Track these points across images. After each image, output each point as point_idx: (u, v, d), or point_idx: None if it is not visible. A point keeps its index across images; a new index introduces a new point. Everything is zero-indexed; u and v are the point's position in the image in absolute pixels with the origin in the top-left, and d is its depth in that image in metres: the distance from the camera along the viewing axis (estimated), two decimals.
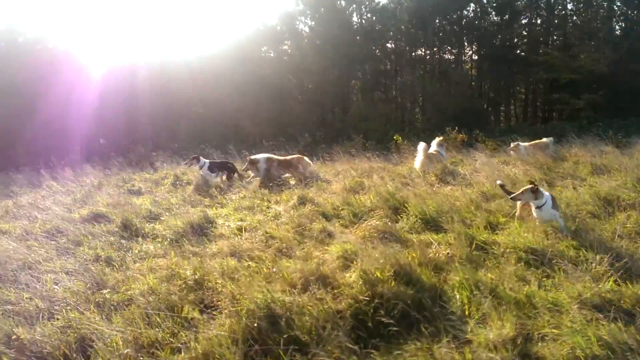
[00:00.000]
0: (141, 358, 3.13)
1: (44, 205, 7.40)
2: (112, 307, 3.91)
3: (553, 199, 5.02)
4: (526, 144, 11.12)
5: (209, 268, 4.45)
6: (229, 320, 3.45)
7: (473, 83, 30.93)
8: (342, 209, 6.29)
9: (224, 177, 9.60)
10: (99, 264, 4.83)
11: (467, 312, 3.37)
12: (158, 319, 3.59)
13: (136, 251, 5.34)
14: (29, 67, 20.09)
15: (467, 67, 32.29)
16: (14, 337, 3.40)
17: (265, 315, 3.40)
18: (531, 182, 5.09)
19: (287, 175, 9.50)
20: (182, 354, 3.19)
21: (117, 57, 22.47)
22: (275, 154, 10.35)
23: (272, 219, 6.33)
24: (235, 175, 9.67)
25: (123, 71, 21.53)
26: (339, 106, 26.22)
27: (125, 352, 3.15)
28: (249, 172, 9.57)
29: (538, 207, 4.95)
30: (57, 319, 3.72)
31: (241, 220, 6.36)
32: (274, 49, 27.29)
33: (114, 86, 20.84)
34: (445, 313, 3.33)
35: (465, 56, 32.14)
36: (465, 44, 31.38)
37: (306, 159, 9.94)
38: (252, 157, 9.70)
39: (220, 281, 4.14)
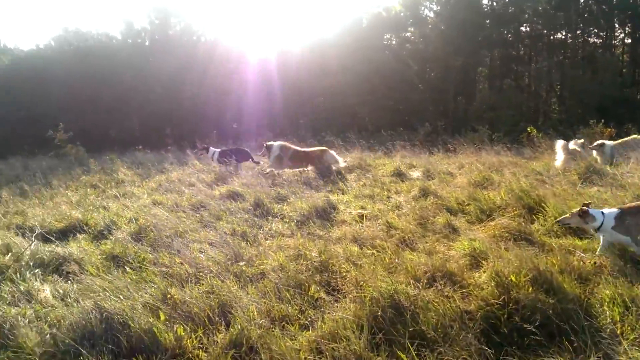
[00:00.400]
0: (274, 330, 3.37)
1: (189, 182, 8.36)
2: (247, 279, 4.28)
3: (621, 216, 4.02)
4: (612, 142, 8.81)
5: (332, 252, 4.61)
6: (354, 306, 3.54)
7: (624, 70, 26.79)
8: (467, 204, 6.00)
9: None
10: (236, 238, 5.30)
11: (619, 331, 2.98)
12: (288, 295, 3.84)
13: (267, 229, 5.75)
14: (177, 57, 22.68)
15: (618, 51, 28.05)
16: (168, 295, 3.91)
17: (389, 305, 3.41)
18: (584, 204, 4.21)
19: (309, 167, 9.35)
20: (310, 330, 3.37)
21: (247, 46, 24.15)
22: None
23: (393, 209, 6.31)
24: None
25: (252, 60, 23.08)
26: (463, 95, 24.83)
27: (261, 322, 3.42)
28: (265, 157, 9.92)
29: (596, 231, 4.14)
30: (202, 284, 4.18)
31: (362, 208, 6.44)
32: (396, 36, 26.77)
33: (244, 75, 22.50)
34: (593, 329, 2.99)
35: (615, 40, 27.91)
36: (616, 25, 27.15)
37: (331, 152, 9.64)
38: (268, 143, 9.92)
39: (345, 266, 4.26)
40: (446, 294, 3.47)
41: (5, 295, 4.38)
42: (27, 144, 19.20)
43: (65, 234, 6.12)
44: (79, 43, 24.68)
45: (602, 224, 4.05)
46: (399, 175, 8.52)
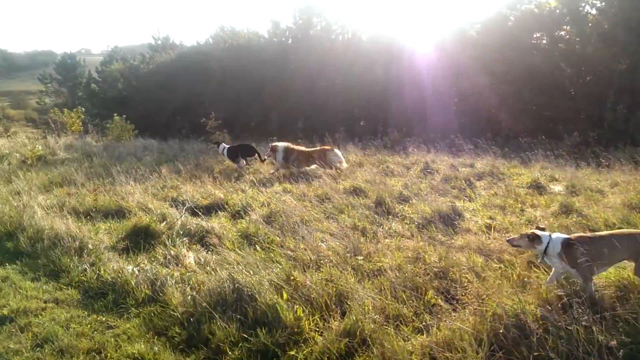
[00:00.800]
0: (387, 327, 3.39)
1: (317, 174, 8.76)
2: (364, 273, 4.37)
3: (569, 245, 3.70)
4: None
5: (454, 260, 4.44)
6: (473, 318, 3.39)
7: None
8: (619, 228, 5.24)
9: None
10: (356, 233, 5.43)
11: None
12: (404, 296, 3.82)
13: (386, 228, 5.76)
14: (315, 54, 23.82)
15: None
16: (292, 277, 4.18)
17: (513, 324, 3.19)
18: (537, 227, 4.08)
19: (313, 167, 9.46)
20: (424, 335, 3.32)
21: (381, 45, 24.13)
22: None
23: (526, 223, 5.81)
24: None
25: (385, 58, 23.05)
26: (625, 103, 21.55)
27: (375, 317, 3.47)
28: (270, 158, 10.03)
29: (542, 256, 3.88)
30: (322, 272, 4.39)
31: (490, 218, 6.06)
32: (547, 35, 24.27)
33: (376, 73, 22.63)
34: None
35: None
36: None
37: (335, 151, 9.63)
38: (274, 144, 10.04)
39: (467, 276, 4.08)
40: (583, 323, 3.11)
41: (159, 257, 5.15)
42: (184, 129, 22.01)
43: (209, 210, 6.89)
44: (233, 41, 27.40)
45: (547, 247, 3.81)
46: (537, 187, 7.78)
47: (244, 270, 4.30)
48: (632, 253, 3.67)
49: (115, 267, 4.77)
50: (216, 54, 27.16)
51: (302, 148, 10.12)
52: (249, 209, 6.67)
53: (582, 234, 4.22)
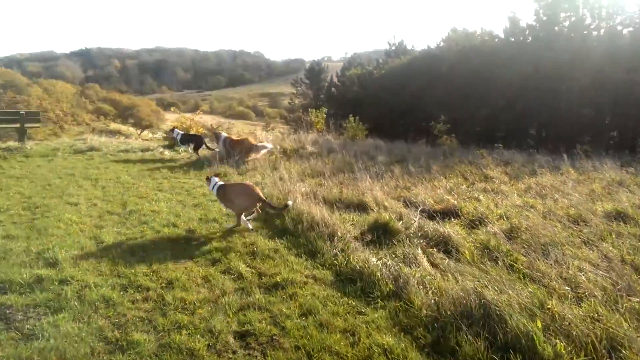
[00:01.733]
0: None
1: (564, 190, 7.71)
2: None
3: (220, 187, 6.37)
4: None
5: None
6: None
7: None
8: None
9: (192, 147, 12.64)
10: (626, 267, 4.55)
11: None
12: None
13: None
14: (558, 54, 21.03)
15: None
16: (547, 306, 3.77)
17: None
18: (215, 174, 7.08)
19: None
20: None
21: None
22: None
23: None
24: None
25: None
26: None
27: None
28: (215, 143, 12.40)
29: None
30: (583, 307, 3.83)
31: None
32: None
33: (636, 73, 18.53)
34: None
35: None
36: None
37: (264, 144, 11.82)
38: (216, 131, 12.90)
39: None
40: None
41: (399, 255, 5.34)
42: (411, 131, 22.61)
43: (442, 215, 6.84)
44: (464, 43, 26.60)
45: (212, 188, 6.47)
46: None
47: (488, 286, 4.10)
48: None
49: (361, 257, 5.18)
50: (445, 57, 26.87)
51: (239, 139, 12.02)
52: (486, 220, 6.35)
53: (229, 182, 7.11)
